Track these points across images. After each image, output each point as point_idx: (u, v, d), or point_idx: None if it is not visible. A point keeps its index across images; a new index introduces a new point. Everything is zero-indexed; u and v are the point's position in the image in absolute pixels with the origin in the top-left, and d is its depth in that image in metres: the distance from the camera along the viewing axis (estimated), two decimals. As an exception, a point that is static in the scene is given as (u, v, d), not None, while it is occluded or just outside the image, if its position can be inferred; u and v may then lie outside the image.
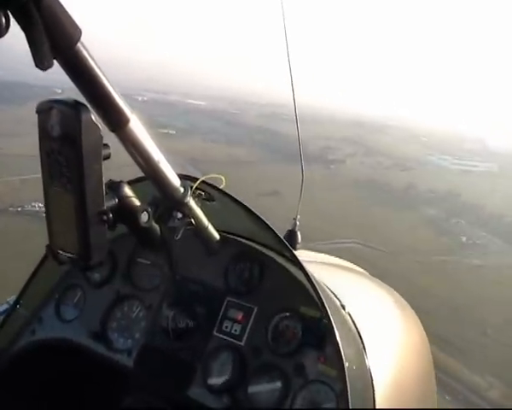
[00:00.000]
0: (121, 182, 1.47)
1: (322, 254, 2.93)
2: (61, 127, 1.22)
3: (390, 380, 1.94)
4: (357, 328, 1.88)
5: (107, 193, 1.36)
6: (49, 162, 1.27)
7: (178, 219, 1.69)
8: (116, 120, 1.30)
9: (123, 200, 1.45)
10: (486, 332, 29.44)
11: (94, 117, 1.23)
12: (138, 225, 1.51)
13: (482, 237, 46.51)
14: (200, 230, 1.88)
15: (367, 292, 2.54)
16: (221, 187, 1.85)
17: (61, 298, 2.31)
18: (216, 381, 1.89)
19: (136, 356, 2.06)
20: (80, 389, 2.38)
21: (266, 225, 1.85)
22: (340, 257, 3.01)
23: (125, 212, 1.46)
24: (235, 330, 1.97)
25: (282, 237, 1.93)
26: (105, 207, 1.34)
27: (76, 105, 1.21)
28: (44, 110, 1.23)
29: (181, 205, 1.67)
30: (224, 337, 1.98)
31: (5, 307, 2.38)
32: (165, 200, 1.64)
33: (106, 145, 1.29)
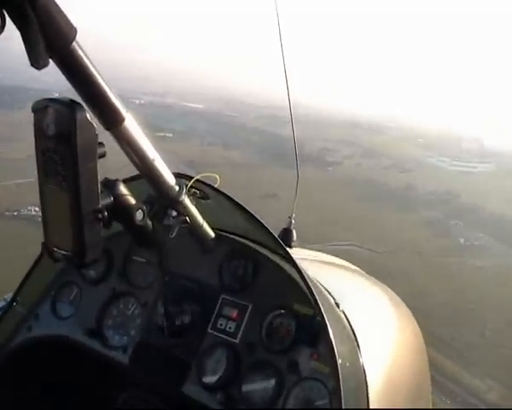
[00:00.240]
0: (116, 180, 1.49)
1: (317, 252, 2.94)
2: (57, 126, 1.23)
3: (384, 377, 1.95)
4: (351, 325, 1.89)
5: (102, 191, 1.37)
6: (44, 160, 1.29)
7: (173, 218, 1.70)
8: (111, 119, 1.32)
9: (118, 198, 1.46)
10: (485, 334, 29.40)
11: (89, 116, 1.25)
12: (133, 223, 1.53)
13: (480, 239, 46.53)
14: (194, 228, 1.90)
15: (361, 290, 2.56)
16: (215, 186, 1.87)
17: (57, 295, 2.32)
18: (210, 378, 1.90)
19: (132, 353, 2.07)
20: (76, 386, 2.39)
21: (260, 223, 1.87)
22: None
23: (120, 210, 1.47)
24: (230, 328, 1.99)
25: (276, 235, 1.95)
26: (100, 206, 1.35)
27: (71, 104, 1.23)
28: (40, 109, 1.25)
29: (176, 203, 1.68)
30: (219, 335, 1.99)
31: (2, 304, 2.38)
32: (160, 198, 1.65)
33: (101, 144, 1.31)
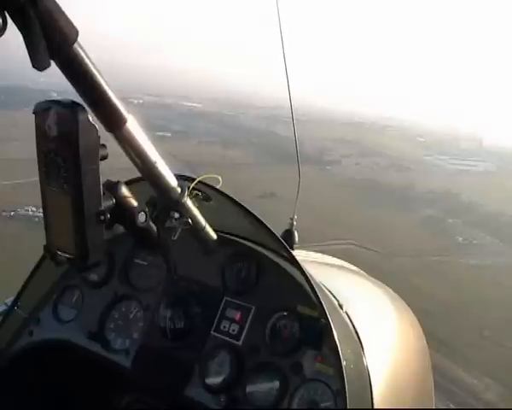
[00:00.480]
0: (118, 182, 1.47)
1: (319, 254, 2.94)
2: (58, 128, 1.22)
3: (388, 379, 1.95)
4: (354, 327, 1.89)
5: (104, 193, 1.36)
6: (46, 163, 1.27)
7: (175, 220, 1.69)
8: (113, 121, 1.31)
9: (120, 200, 1.45)
10: (483, 333, 29.46)
11: (91, 117, 1.24)
12: (135, 225, 1.51)
13: (479, 238, 46.64)
14: (197, 230, 1.88)
15: (364, 291, 2.55)
16: (218, 187, 1.86)
17: (59, 299, 2.30)
18: (214, 380, 1.89)
19: (134, 356, 2.06)
20: (78, 390, 2.38)
21: (263, 224, 1.86)
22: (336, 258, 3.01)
23: (122, 212, 1.46)
24: (233, 330, 1.98)
25: (279, 236, 1.94)
26: (102, 208, 1.34)
27: (73, 106, 1.21)
28: (41, 111, 1.24)
29: (178, 205, 1.67)
30: (222, 337, 1.98)
31: (3, 308, 2.36)
32: (162, 200, 1.64)
33: (103, 145, 1.29)
